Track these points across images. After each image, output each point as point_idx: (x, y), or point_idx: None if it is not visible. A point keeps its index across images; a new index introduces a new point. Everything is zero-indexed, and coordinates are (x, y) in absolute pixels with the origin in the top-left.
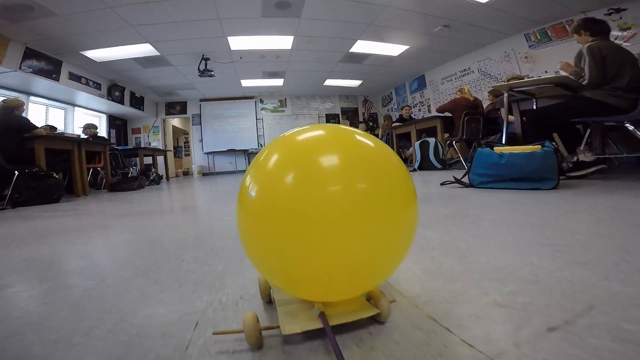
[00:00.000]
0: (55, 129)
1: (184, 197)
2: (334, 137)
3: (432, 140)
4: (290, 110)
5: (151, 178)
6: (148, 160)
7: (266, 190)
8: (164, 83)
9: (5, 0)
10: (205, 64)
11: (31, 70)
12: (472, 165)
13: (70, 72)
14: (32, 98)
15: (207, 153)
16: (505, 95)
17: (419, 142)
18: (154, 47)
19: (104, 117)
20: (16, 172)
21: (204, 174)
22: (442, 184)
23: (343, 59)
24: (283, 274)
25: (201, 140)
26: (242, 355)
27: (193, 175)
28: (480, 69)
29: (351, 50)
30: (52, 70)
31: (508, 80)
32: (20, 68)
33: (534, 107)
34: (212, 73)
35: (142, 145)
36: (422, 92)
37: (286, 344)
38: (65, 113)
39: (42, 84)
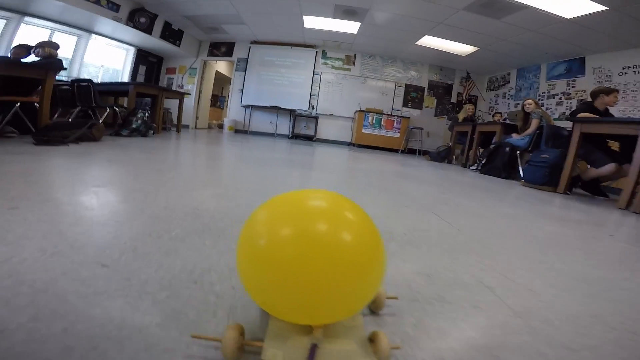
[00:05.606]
0: (32, 48)
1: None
2: (330, 206)
3: None
4: (359, 70)
5: (134, 126)
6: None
7: (273, 236)
8: (205, 12)
9: None
10: None
11: None
12: None
13: None
14: (27, 19)
15: (245, 106)
16: None
17: None
18: None
19: (131, 51)
20: None
21: (236, 131)
22: None
23: (473, 4)
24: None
25: (242, 90)
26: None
27: (224, 130)
28: None
29: None
30: None
31: None
32: None
33: None
34: None
35: (174, 88)
36: (573, 81)
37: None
38: (77, 40)
39: (43, 2)
